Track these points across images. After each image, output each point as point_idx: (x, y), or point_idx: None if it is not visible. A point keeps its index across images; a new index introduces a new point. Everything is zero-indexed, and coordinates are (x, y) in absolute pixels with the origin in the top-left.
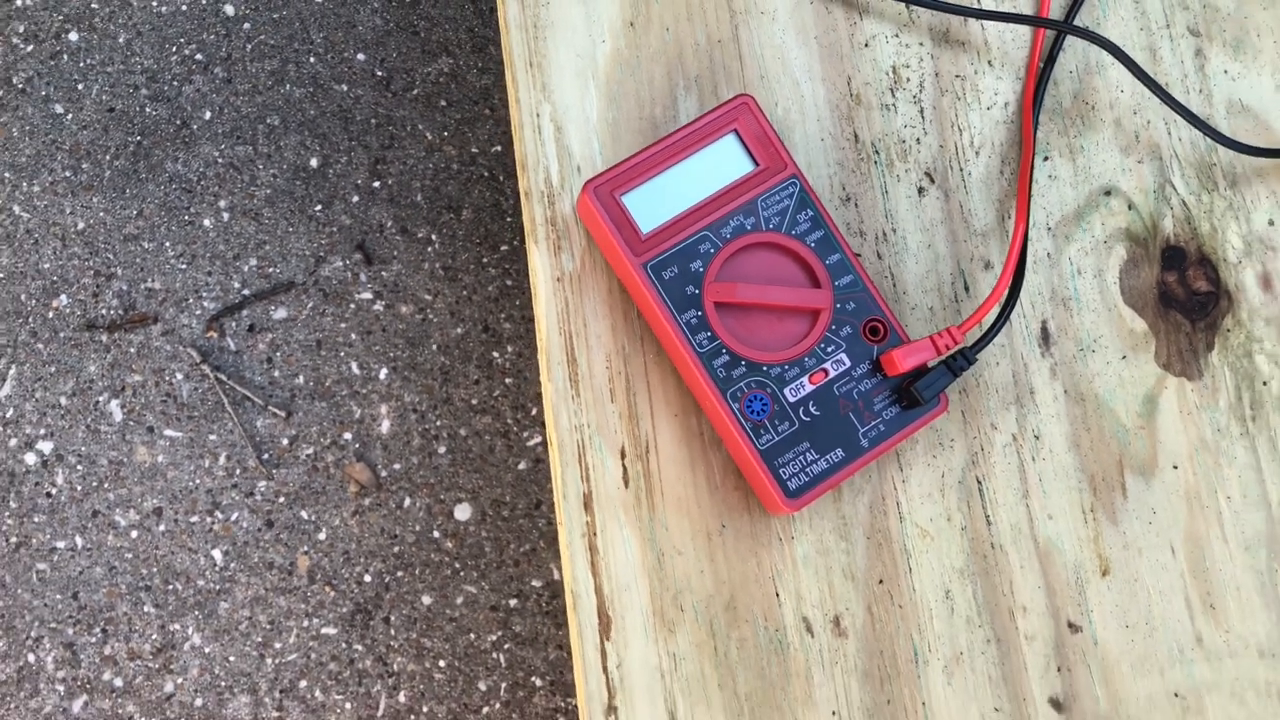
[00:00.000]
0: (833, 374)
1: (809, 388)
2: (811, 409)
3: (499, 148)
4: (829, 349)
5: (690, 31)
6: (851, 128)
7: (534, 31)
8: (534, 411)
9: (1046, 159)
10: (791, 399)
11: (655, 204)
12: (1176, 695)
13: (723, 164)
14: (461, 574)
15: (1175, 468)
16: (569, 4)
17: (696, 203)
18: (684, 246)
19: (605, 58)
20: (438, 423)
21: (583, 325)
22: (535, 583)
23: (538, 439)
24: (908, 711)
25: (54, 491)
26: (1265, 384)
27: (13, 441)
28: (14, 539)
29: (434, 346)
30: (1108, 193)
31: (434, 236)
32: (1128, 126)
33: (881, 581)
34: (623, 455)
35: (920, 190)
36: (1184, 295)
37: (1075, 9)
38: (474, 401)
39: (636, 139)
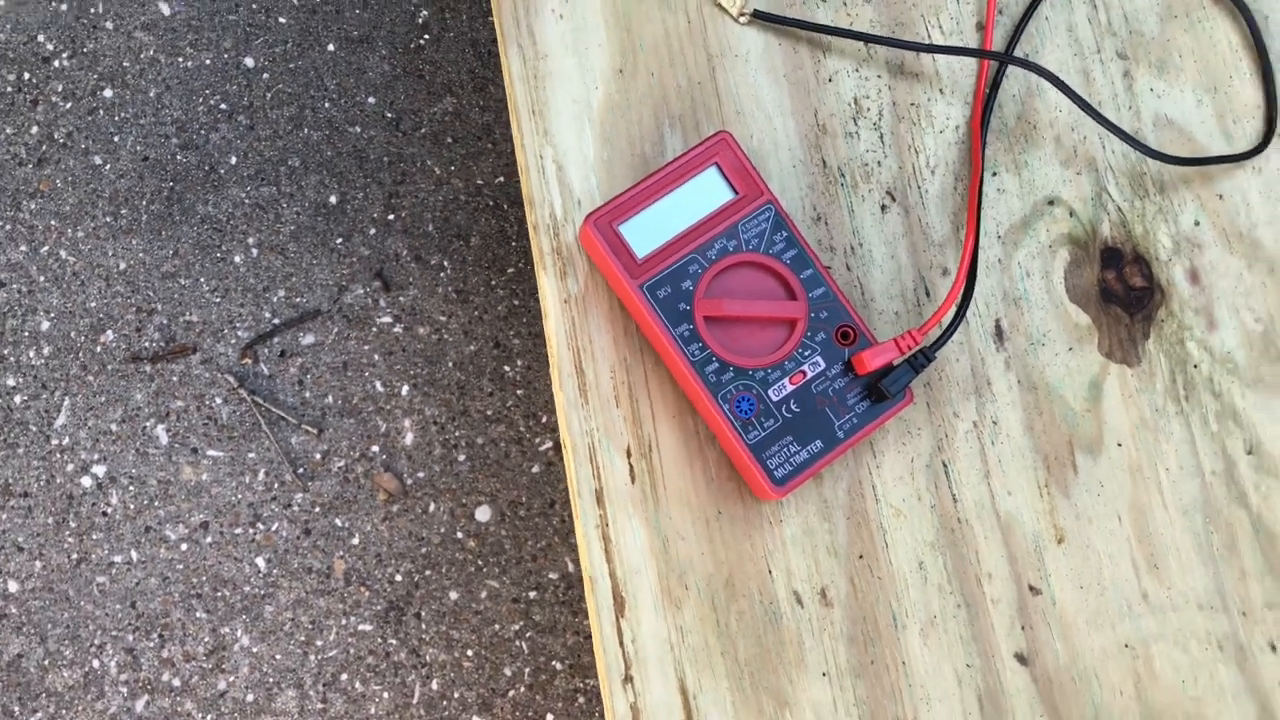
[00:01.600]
0: (810, 375)
1: (790, 388)
2: (793, 406)
3: (502, 179)
4: (806, 353)
5: (673, 75)
6: (820, 154)
7: (534, 82)
8: (544, 419)
9: (995, 175)
10: (775, 398)
11: (648, 231)
12: (1126, 646)
13: (706, 193)
14: (484, 570)
15: (1119, 445)
16: (564, 56)
17: (684, 229)
18: (675, 268)
19: (599, 102)
20: (457, 433)
21: (588, 341)
22: (552, 575)
23: (548, 444)
24: (889, 670)
25: (109, 511)
26: (1196, 367)
27: (70, 467)
28: (75, 555)
29: (450, 363)
30: (1050, 202)
31: (446, 263)
32: (1066, 142)
33: (861, 556)
34: (629, 454)
35: (883, 208)
36: (1122, 291)
37: (1015, 40)
38: (489, 412)
39: (629, 174)
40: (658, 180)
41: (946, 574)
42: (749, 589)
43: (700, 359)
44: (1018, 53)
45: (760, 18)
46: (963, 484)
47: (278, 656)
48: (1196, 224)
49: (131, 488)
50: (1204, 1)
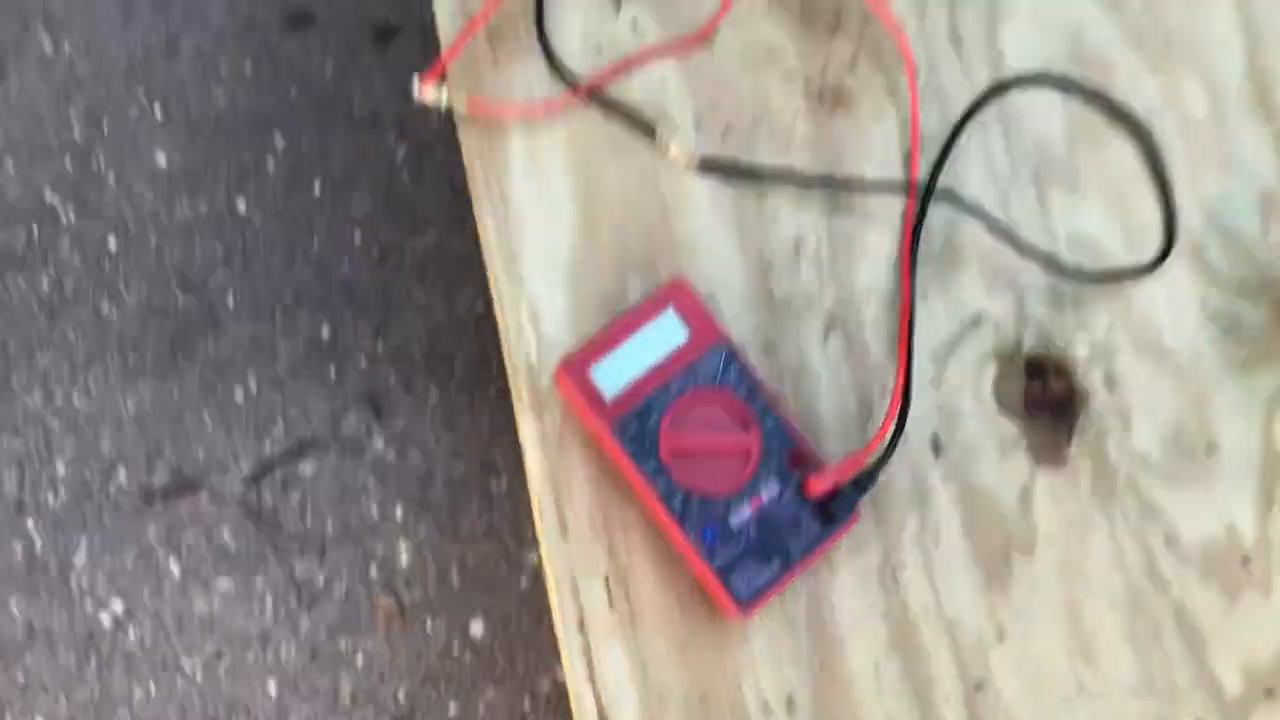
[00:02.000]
0: (766, 500)
1: (748, 513)
2: (752, 532)
3: (480, 307)
4: (762, 479)
5: (632, 225)
6: (767, 287)
7: (507, 238)
8: (529, 533)
9: (925, 298)
10: (735, 524)
11: (615, 373)
12: None
13: (666, 335)
14: (481, 683)
15: (1050, 545)
16: (535, 216)
17: (647, 369)
18: (641, 408)
19: (566, 256)
20: (448, 551)
21: (567, 478)
22: (545, 685)
23: (535, 558)
24: None
25: (128, 646)
26: (1116, 467)
27: (89, 605)
28: (97, 691)
29: (440, 484)
30: (976, 322)
31: (433, 388)
32: (990, 264)
33: (823, 666)
34: (607, 583)
35: (825, 335)
36: (1046, 400)
37: (939, 169)
38: (478, 529)
39: (596, 318)
40: (621, 326)
41: (900, 676)
42: (721, 704)
43: (666, 491)
44: (943, 179)
45: (706, 166)
46: (910, 590)
47: None
48: (1111, 332)
49: (148, 622)
50: (1105, 123)
